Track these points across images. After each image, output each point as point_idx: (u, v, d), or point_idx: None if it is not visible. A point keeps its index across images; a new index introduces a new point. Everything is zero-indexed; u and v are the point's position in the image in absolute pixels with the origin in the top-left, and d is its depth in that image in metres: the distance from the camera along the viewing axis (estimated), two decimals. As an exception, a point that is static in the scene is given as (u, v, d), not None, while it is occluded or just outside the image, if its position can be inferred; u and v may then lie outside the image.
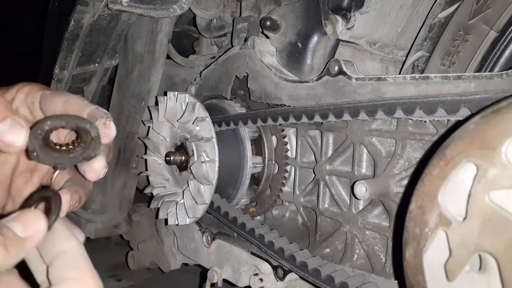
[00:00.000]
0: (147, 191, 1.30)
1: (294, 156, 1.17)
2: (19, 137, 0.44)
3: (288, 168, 1.19)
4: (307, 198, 1.15)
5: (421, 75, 0.80)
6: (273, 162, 1.20)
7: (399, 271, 0.85)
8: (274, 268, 1.08)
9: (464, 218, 0.55)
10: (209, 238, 1.28)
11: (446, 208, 0.57)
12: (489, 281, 0.54)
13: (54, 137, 0.51)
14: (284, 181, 1.18)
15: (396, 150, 0.92)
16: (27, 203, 0.47)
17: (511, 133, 0.51)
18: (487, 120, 0.54)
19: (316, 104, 0.97)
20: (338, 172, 1.05)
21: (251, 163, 1.18)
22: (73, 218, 1.59)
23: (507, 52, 0.89)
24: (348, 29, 1.01)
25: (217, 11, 1.38)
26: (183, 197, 1.22)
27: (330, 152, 1.07)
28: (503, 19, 0.87)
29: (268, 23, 1.09)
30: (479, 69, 0.90)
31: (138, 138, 1.47)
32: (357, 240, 1.00)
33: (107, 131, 0.49)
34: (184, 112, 1.18)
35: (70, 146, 0.48)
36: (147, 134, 1.34)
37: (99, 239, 1.70)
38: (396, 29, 1.09)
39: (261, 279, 1.10)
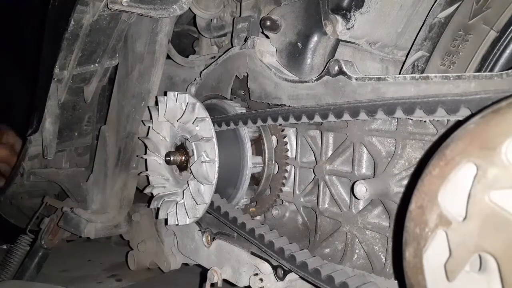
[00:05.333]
0: (147, 191, 1.30)
1: (294, 156, 1.17)
2: None
3: (288, 168, 1.19)
4: (307, 198, 1.15)
5: (421, 75, 0.80)
6: (273, 162, 1.20)
7: (399, 271, 0.85)
8: (274, 268, 1.08)
9: (464, 218, 0.55)
10: (209, 238, 1.28)
11: (446, 208, 0.57)
12: (489, 281, 0.54)
13: None
14: (284, 181, 1.18)
15: (396, 150, 0.92)
16: None
17: (511, 133, 0.51)
18: (487, 120, 0.54)
19: (316, 104, 0.97)
20: (338, 172, 1.05)
21: (251, 163, 1.18)
22: (73, 218, 1.59)
23: (507, 52, 0.89)
24: (348, 29, 1.01)
25: (217, 11, 1.38)
26: (183, 197, 1.22)
27: (330, 152, 1.07)
28: (503, 19, 0.87)
29: (268, 23, 1.09)
30: (479, 69, 0.90)
31: (138, 138, 1.47)
32: (357, 240, 1.00)
33: None
34: (184, 112, 1.18)
35: None
36: (147, 134, 1.34)
37: (99, 239, 1.70)
38: (396, 29, 1.09)
39: (261, 279, 1.10)
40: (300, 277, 0.99)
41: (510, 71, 0.68)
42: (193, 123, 1.16)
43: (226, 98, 1.24)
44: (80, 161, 1.77)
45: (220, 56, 1.24)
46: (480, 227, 0.53)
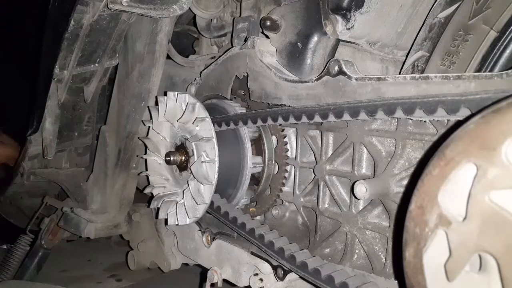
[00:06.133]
0: (147, 191, 1.30)
1: (294, 156, 1.17)
2: None
3: (288, 168, 1.19)
4: (307, 198, 1.15)
5: (421, 75, 0.80)
6: (273, 162, 1.20)
7: (399, 271, 0.85)
8: (274, 268, 1.08)
9: (464, 218, 0.55)
10: (209, 238, 1.28)
11: (446, 208, 0.57)
12: (489, 281, 0.54)
13: None
14: (284, 181, 1.18)
15: (396, 150, 0.92)
16: None
17: (511, 133, 0.51)
18: (487, 120, 0.54)
19: (316, 104, 0.97)
20: (338, 172, 1.05)
21: (251, 163, 1.18)
22: (73, 218, 1.59)
23: (507, 52, 0.89)
24: (348, 29, 1.01)
25: (217, 11, 1.39)
26: (183, 197, 1.22)
27: (330, 152, 1.07)
28: (503, 19, 0.87)
29: (268, 23, 1.09)
30: (479, 69, 0.90)
31: (138, 138, 1.47)
32: (357, 240, 1.00)
33: None
34: (184, 112, 1.18)
35: None
36: (147, 134, 1.34)
37: (99, 239, 1.70)
38: (396, 29, 1.09)
39: (261, 279, 1.10)
40: (300, 277, 0.99)
41: (510, 71, 0.68)
42: (193, 123, 1.16)
43: (226, 98, 1.24)
44: (80, 161, 1.77)
45: (220, 56, 1.24)
46: (480, 227, 0.53)
